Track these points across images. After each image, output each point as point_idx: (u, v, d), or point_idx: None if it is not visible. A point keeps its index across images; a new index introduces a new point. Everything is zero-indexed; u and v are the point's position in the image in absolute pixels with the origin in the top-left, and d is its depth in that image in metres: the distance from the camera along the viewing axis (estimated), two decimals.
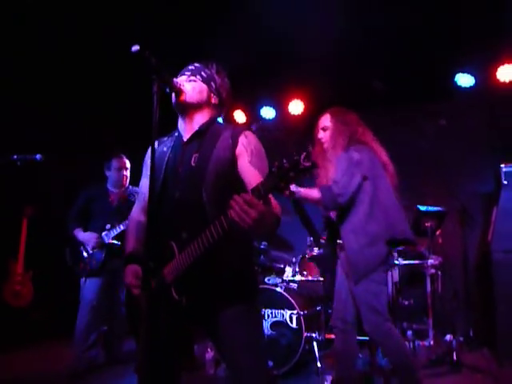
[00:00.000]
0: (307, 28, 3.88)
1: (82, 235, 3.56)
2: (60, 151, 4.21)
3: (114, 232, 3.51)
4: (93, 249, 3.51)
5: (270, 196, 1.55)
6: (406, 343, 3.59)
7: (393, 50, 4.20)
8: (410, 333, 3.91)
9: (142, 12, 3.85)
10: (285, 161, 1.31)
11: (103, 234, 3.53)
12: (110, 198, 3.71)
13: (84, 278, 3.50)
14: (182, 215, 1.66)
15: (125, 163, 3.78)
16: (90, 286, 3.49)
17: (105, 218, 3.58)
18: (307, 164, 1.29)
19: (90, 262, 3.49)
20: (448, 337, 3.80)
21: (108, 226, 3.53)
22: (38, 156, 3.40)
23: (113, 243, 3.52)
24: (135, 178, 4.00)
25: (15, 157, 3.25)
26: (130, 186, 3.82)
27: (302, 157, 1.29)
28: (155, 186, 1.76)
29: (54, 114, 4.55)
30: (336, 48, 4.03)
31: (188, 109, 1.77)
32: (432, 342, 3.79)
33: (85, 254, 3.53)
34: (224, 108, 1.90)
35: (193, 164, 1.70)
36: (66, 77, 4.39)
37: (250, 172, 1.64)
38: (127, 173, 3.79)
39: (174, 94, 1.76)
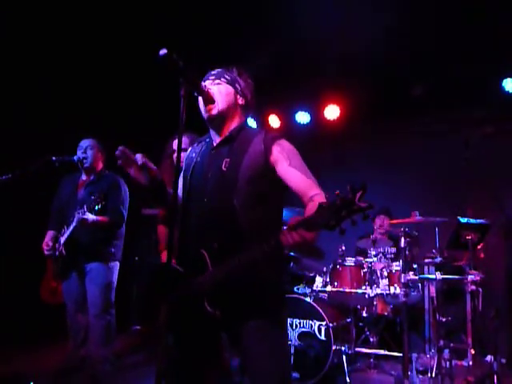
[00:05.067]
0: (344, 31, 3.79)
1: None
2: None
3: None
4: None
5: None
6: (443, 362, 3.41)
7: (434, 54, 4.02)
8: (446, 351, 3.70)
9: (180, 21, 3.91)
10: (337, 198, 1.25)
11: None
12: None
13: None
14: (212, 222, 1.64)
15: None
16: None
17: None
18: (363, 205, 1.23)
19: None
20: (489, 358, 3.56)
21: None
22: (76, 157, 3.52)
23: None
24: None
25: (54, 158, 3.37)
26: None
27: (358, 196, 1.23)
28: (183, 191, 1.77)
29: (95, 117, 4.68)
30: (374, 52, 3.92)
31: (220, 119, 1.76)
32: (471, 363, 3.57)
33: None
34: (250, 110, 1.88)
35: (224, 169, 1.68)
36: (105, 80, 4.52)
37: (293, 174, 1.63)
38: None
39: (202, 102, 1.76)
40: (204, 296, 1.55)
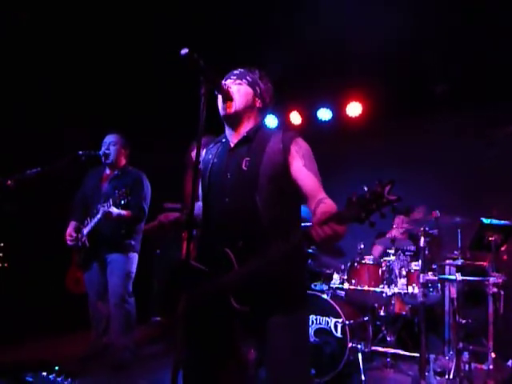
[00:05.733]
0: (366, 27, 3.75)
1: None
2: None
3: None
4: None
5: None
6: (462, 365, 3.36)
7: (457, 49, 3.92)
8: (466, 354, 3.64)
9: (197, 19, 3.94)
10: (366, 192, 1.29)
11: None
12: None
13: None
14: (235, 221, 1.67)
15: None
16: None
17: None
18: (392, 198, 1.27)
19: None
20: (510, 362, 3.49)
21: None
22: (101, 151, 3.63)
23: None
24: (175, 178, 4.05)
25: (80, 153, 3.49)
26: None
27: (387, 189, 1.26)
28: (203, 192, 1.83)
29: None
30: (396, 48, 3.86)
31: (236, 118, 1.80)
32: (491, 367, 3.49)
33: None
34: (267, 112, 1.92)
35: (244, 168, 1.71)
36: (129, 78, 4.62)
37: (305, 174, 1.66)
38: None
39: (221, 100, 1.79)
40: (230, 293, 1.56)
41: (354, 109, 5.29)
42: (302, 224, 1.88)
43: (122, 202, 3.19)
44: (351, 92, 5.20)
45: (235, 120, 1.80)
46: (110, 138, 3.64)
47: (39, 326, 4.28)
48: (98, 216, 3.30)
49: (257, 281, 1.55)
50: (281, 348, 1.61)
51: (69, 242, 3.48)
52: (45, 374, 3.02)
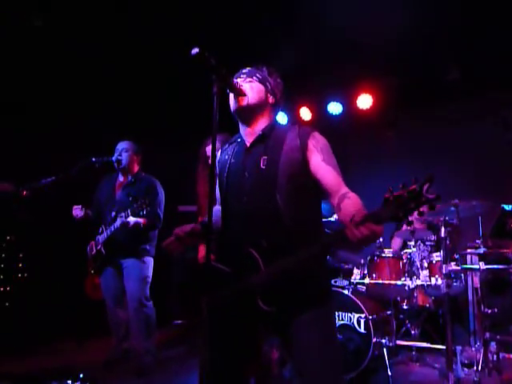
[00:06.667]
0: (374, 18, 3.69)
1: None
2: None
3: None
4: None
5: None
6: (490, 355, 3.29)
7: (467, 33, 3.82)
8: (493, 344, 3.56)
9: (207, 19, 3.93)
10: (404, 190, 1.25)
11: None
12: None
13: None
14: (256, 221, 1.65)
15: None
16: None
17: None
18: (431, 197, 1.22)
19: None
20: None
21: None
22: (114, 158, 3.65)
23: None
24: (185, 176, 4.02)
25: (93, 159, 3.51)
26: None
27: (425, 188, 1.22)
28: (221, 193, 1.80)
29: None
30: (405, 37, 3.78)
31: (249, 112, 1.78)
32: None
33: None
34: (278, 108, 1.90)
35: (262, 167, 1.69)
36: (140, 81, 4.64)
37: (325, 169, 1.64)
38: None
39: (233, 98, 1.77)
40: (257, 294, 1.54)
41: (364, 101, 5.22)
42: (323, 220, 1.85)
43: (141, 213, 3.20)
44: (361, 84, 5.13)
45: (248, 115, 1.78)
46: (122, 145, 3.67)
47: (61, 332, 4.33)
48: (116, 225, 3.32)
49: (283, 280, 1.53)
50: (310, 342, 1.59)
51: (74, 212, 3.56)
52: (69, 382, 3.06)
